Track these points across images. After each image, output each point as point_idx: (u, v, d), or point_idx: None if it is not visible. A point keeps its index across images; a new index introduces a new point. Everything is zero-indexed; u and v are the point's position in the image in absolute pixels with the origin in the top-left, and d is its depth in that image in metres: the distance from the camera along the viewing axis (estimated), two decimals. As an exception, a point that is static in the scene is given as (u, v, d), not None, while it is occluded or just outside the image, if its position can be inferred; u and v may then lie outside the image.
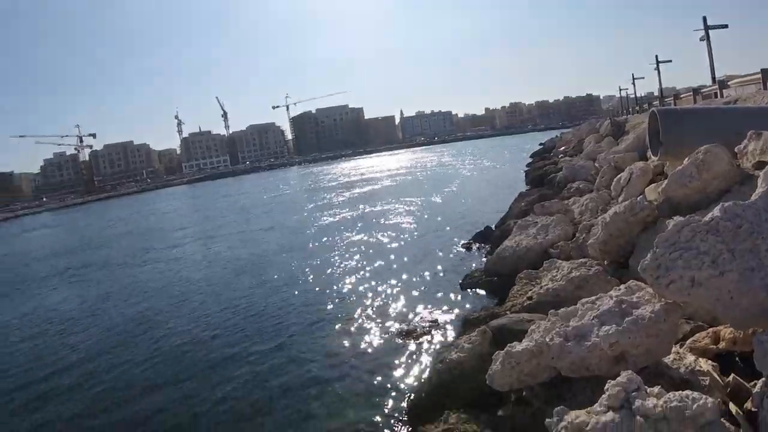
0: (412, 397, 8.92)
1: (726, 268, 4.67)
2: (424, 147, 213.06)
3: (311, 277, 20.34)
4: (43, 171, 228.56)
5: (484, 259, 17.04)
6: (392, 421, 8.80)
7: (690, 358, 5.40)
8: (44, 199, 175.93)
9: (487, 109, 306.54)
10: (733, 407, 4.52)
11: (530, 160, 58.85)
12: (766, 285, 4.55)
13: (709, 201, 8.24)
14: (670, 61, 72.76)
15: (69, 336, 16.92)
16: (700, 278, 4.74)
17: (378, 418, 8.98)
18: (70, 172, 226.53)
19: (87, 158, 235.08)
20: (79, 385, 12.55)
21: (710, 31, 48.54)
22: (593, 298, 5.97)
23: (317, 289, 18.32)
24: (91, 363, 14.02)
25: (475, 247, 20.38)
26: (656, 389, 4.31)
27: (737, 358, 5.34)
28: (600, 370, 5.34)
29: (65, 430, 10.58)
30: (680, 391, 4.18)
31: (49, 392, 12.41)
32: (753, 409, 4.35)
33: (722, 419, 4.11)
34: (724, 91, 31.36)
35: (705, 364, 5.20)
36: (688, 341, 5.79)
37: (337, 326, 13.88)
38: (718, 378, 4.98)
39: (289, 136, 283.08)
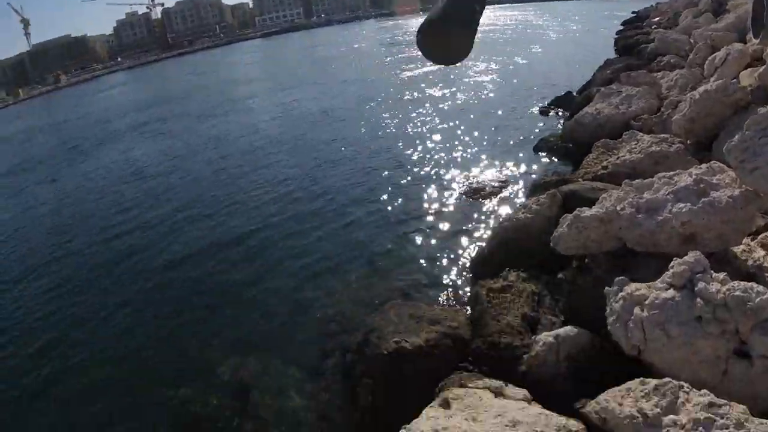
0: (474, 253, 9.12)
1: (816, 161, 4.55)
2: (509, 4, 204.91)
3: (386, 130, 20.44)
4: (116, 32, 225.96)
5: (561, 125, 16.76)
6: (453, 275, 9.06)
7: (760, 252, 5.33)
8: (119, 60, 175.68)
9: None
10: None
11: (621, 27, 56.34)
12: None
13: (809, 91, 7.91)
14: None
15: (151, 185, 17.57)
16: (788, 168, 4.64)
17: (439, 272, 9.25)
18: (143, 31, 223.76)
19: (159, 16, 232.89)
20: (167, 233, 13.22)
21: None
22: (671, 173, 5.84)
23: (391, 142, 18.47)
24: (176, 208, 14.70)
25: (552, 112, 19.96)
26: (721, 275, 4.29)
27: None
28: (667, 248, 5.31)
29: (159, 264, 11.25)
30: (746, 282, 4.18)
31: (133, 232, 13.10)
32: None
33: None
34: None
35: (774, 260, 5.16)
36: (761, 236, 5.69)
37: (407, 179, 14.07)
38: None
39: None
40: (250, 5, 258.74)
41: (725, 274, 4.32)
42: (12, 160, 30.18)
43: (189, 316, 9.70)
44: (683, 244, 5.17)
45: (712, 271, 4.33)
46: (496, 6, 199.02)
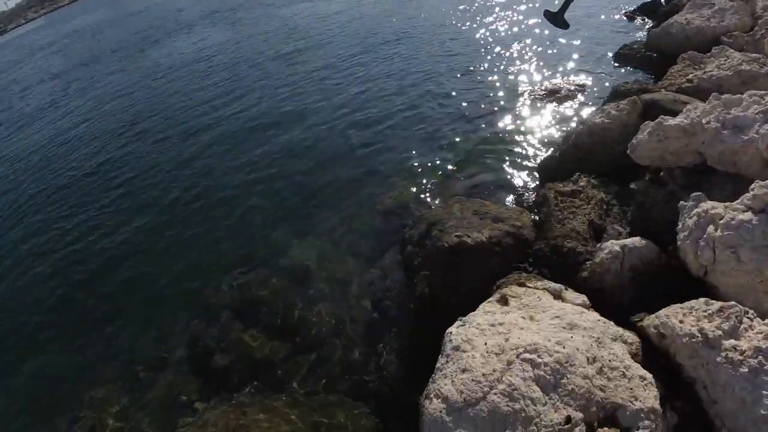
0: (547, 154, 8.99)
1: None
2: None
3: (461, 21, 19.90)
4: None
5: (646, 33, 16.09)
6: (522, 175, 8.99)
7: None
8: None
9: None
10: None
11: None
12: None
13: None
14: None
15: (219, 77, 17.59)
16: None
17: (508, 171, 9.18)
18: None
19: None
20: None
21: None
22: (763, 92, 5.59)
23: (466, 35, 18.00)
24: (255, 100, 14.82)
25: (638, 18, 19.13)
26: (803, 203, 4.17)
27: None
28: (747, 170, 5.15)
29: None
30: (827, 210, 4.04)
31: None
32: None
33: None
34: None
35: None
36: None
37: (479, 76, 13.81)
38: None
39: None
40: None
41: (808, 203, 4.18)
42: (84, 52, 30.56)
43: (255, 201, 9.92)
44: (764, 168, 5.00)
45: (794, 199, 4.19)
46: None
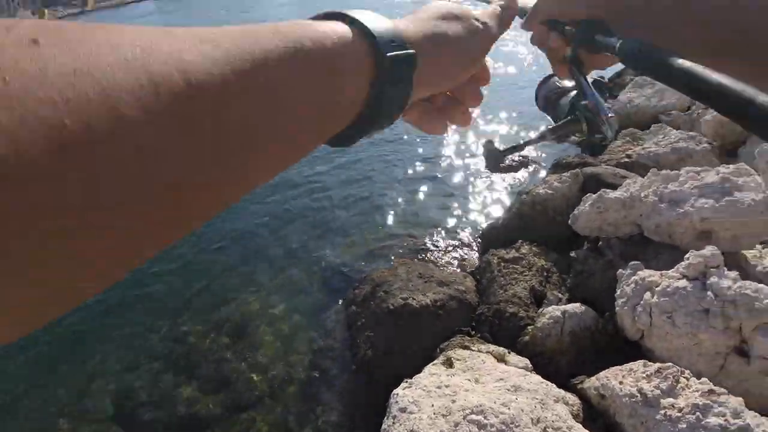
0: (488, 224, 9.19)
1: None
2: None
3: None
4: None
5: (588, 110, 16.64)
6: (465, 240, 9.15)
7: (768, 261, 5.41)
8: None
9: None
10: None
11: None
12: None
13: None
14: None
15: None
16: (817, 177, 4.69)
17: (452, 235, 9.33)
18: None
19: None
20: None
21: None
22: (699, 168, 5.88)
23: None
24: None
25: (582, 95, 19.81)
26: (734, 273, 4.38)
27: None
28: (682, 241, 5.40)
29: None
30: (757, 283, 4.26)
31: None
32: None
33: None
34: None
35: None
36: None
37: (425, 142, 14.04)
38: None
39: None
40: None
41: (737, 273, 4.40)
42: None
43: (197, 255, 9.83)
44: (697, 239, 5.27)
45: (725, 268, 4.41)
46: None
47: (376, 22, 0.63)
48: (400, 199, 10.90)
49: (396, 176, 12.00)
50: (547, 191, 7.89)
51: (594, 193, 6.34)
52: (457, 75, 0.84)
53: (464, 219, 10.00)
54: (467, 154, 13.05)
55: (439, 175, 12.01)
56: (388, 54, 0.62)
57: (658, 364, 3.97)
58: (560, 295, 6.09)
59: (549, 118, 1.36)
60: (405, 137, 14.09)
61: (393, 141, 13.79)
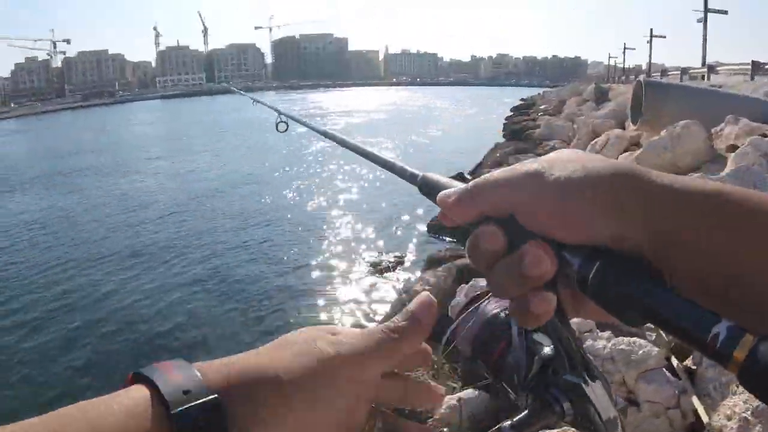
0: (373, 324, 9.32)
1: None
2: (407, 87, 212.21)
3: (279, 207, 20.51)
4: (12, 76, 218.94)
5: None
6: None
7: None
8: (13, 105, 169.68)
9: (473, 57, 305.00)
10: (674, 361, 4.95)
11: (510, 113, 58.93)
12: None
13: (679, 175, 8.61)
14: (664, 36, 72.73)
15: (38, 245, 16.96)
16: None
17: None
18: (41, 78, 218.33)
19: (60, 65, 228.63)
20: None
21: (709, 15, 48.46)
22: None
23: (283, 220, 18.46)
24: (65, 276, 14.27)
25: (447, 190, 20.59)
26: (607, 333, 4.70)
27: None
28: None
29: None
30: (629, 338, 4.59)
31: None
32: (692, 366, 4.81)
33: (663, 369, 4.53)
34: (712, 75, 31.70)
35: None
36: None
37: (301, 258, 14.16)
38: (663, 335, 5.39)
39: (269, 59, 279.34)
40: (153, 65, 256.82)
41: (610, 332, 4.71)
42: None
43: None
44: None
45: (598, 330, 4.71)
46: (398, 87, 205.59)
47: (172, 373, 0.58)
48: (276, 315, 10.87)
49: (269, 292, 12.00)
50: (424, 287, 8.14)
51: (467, 283, 6.60)
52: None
53: (349, 322, 10.09)
54: (340, 263, 13.27)
55: (315, 285, 12.12)
56: (177, 410, 0.54)
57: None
58: (453, 384, 6.23)
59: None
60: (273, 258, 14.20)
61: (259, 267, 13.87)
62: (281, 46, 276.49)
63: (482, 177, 0.71)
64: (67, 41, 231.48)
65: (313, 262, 13.69)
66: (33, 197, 25.18)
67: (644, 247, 0.59)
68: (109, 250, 15.41)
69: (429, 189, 0.91)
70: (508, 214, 0.66)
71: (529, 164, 0.68)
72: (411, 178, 0.99)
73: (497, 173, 0.69)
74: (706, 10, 48.33)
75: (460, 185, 0.76)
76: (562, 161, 0.66)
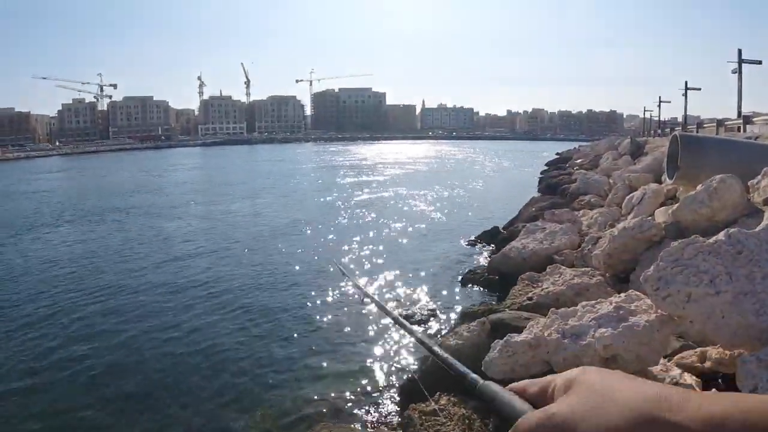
0: (406, 378, 9.25)
1: (722, 289, 4.96)
2: (444, 140, 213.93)
3: (316, 255, 20.63)
4: (60, 115, 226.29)
5: (488, 258, 17.33)
6: (385, 399, 9.13)
7: (676, 371, 5.68)
8: (58, 144, 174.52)
9: (508, 112, 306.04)
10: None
11: (545, 167, 59.01)
12: (756, 310, 4.84)
13: (716, 230, 8.46)
14: (699, 89, 71.99)
15: (71, 284, 17.15)
16: (697, 295, 5.03)
17: (372, 396, 9.29)
18: (87, 119, 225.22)
19: (105, 108, 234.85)
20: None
21: (743, 65, 48.22)
22: (593, 302, 6.24)
23: (316, 271, 18.52)
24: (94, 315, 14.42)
25: (480, 245, 20.66)
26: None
27: (720, 380, 5.62)
28: (590, 371, 5.62)
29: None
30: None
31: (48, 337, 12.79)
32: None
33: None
34: (747, 126, 31.48)
35: (690, 378, 5.50)
36: (676, 357, 6.07)
37: (336, 306, 14.16)
38: (699, 391, 5.27)
39: (308, 111, 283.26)
40: (196, 113, 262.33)
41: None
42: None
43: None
44: (605, 365, 5.48)
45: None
46: (436, 141, 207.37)
47: None
48: (313, 363, 10.84)
49: (308, 341, 11.98)
50: (457, 342, 8.09)
51: (501, 339, 6.55)
52: None
53: (381, 376, 10.03)
54: (374, 318, 13.23)
55: (349, 337, 12.07)
56: None
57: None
58: (483, 440, 6.15)
59: None
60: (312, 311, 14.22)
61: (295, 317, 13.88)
62: (320, 99, 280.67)
63: (523, 426, 0.85)
64: (114, 86, 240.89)
65: (345, 309, 13.67)
66: (70, 232, 25.68)
67: None
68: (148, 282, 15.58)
69: (486, 398, 1.00)
70: None
71: (558, 415, 0.81)
72: (470, 384, 1.11)
73: (529, 424, 0.84)
74: (740, 60, 48.04)
75: (516, 400, 0.93)
76: (588, 409, 0.78)
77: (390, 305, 13.88)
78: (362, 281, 16.43)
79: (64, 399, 9.61)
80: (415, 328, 11.49)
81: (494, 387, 1.00)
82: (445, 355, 1.28)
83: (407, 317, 12.55)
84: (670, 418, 0.69)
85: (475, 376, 1.08)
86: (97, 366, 10.92)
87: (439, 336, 10.95)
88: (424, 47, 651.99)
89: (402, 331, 11.78)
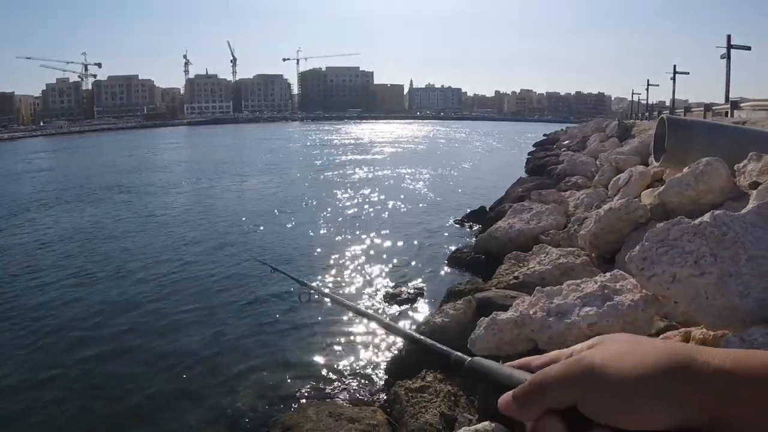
0: (392, 356, 9.32)
1: (706, 270, 5.02)
2: (431, 120, 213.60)
3: (301, 234, 20.67)
4: (44, 96, 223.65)
5: (475, 238, 17.39)
6: (372, 376, 9.20)
7: (659, 351, 5.77)
8: (42, 124, 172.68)
9: (496, 92, 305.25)
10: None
11: (533, 148, 59.13)
12: (740, 291, 4.90)
13: (702, 212, 8.53)
14: (688, 73, 72.26)
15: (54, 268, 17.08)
16: (681, 275, 5.09)
17: (359, 374, 9.36)
18: (71, 99, 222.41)
19: (90, 87, 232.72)
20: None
21: (732, 51, 48.26)
22: (578, 281, 6.32)
23: (304, 248, 18.60)
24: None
25: (467, 225, 20.73)
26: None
27: (703, 359, 5.70)
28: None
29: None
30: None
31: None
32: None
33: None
34: (735, 111, 31.57)
35: (672, 358, 5.58)
36: (660, 337, 6.16)
37: (322, 285, 14.18)
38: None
39: (295, 90, 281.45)
40: (182, 92, 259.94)
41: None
42: None
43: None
44: (590, 344, 5.55)
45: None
46: (424, 121, 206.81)
47: None
48: (299, 343, 10.87)
49: (290, 319, 11.99)
50: (443, 319, 8.16)
51: (487, 317, 6.61)
52: None
53: (367, 353, 10.09)
54: (360, 293, 13.28)
55: (341, 314, 12.10)
56: None
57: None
58: (470, 416, 6.22)
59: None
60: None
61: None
62: (308, 78, 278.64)
63: (540, 375, 0.81)
64: (98, 65, 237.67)
65: (330, 291, 13.68)
66: (61, 213, 25.49)
67: (703, 430, 0.69)
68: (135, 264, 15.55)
69: (476, 375, 0.96)
70: (569, 405, 0.76)
71: (587, 359, 0.77)
72: (455, 363, 1.01)
73: (555, 371, 0.79)
74: (729, 46, 48.06)
75: (508, 371, 0.90)
76: (620, 355, 0.76)
77: (375, 286, 13.95)
78: (344, 259, 16.47)
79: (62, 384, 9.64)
80: (395, 308, 11.65)
81: (486, 362, 0.95)
82: (421, 337, 1.24)
83: (393, 296, 12.62)
84: (704, 358, 0.71)
85: (459, 353, 1.02)
86: (90, 348, 10.96)
87: (425, 315, 11.01)
88: (413, 27, 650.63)
89: (393, 311, 11.92)
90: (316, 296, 3.02)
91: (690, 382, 0.70)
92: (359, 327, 11.22)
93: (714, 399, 0.68)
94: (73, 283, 14.68)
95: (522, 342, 6.24)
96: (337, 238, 19.71)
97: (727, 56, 48.10)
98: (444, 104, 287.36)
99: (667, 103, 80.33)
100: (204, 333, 11.34)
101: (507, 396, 0.82)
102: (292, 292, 13.07)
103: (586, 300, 5.88)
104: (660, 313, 6.26)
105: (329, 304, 10.65)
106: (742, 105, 32.95)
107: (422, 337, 1.22)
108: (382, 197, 28.91)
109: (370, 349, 10.25)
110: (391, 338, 10.62)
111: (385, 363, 9.30)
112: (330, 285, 14.26)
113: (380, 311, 12.03)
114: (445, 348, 1.08)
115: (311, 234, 20.71)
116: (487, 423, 5.44)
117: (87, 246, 18.93)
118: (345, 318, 11.63)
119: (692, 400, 0.69)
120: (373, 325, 11.46)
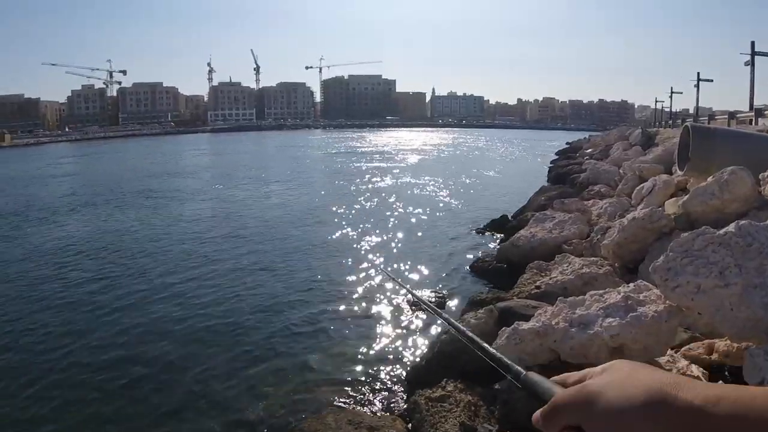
0: (413, 364, 9.28)
1: (731, 281, 4.96)
2: (454, 128, 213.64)
3: (325, 241, 20.69)
4: (69, 102, 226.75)
5: (497, 247, 17.32)
6: (392, 385, 9.15)
7: (683, 362, 5.69)
8: (67, 130, 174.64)
9: (519, 100, 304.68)
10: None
11: (555, 157, 58.91)
12: (765, 303, 4.84)
13: (726, 222, 8.46)
14: (711, 80, 71.25)
15: (81, 269, 17.21)
16: (706, 286, 5.03)
17: (379, 381, 9.32)
18: (96, 105, 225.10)
19: (114, 94, 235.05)
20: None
21: (756, 58, 47.72)
22: (601, 291, 6.26)
23: (329, 253, 18.66)
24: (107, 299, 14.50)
25: (489, 233, 20.67)
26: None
27: (726, 372, 5.63)
28: (597, 360, 5.62)
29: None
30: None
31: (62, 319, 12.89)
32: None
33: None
34: (759, 119, 31.24)
35: (696, 370, 5.50)
36: (683, 348, 6.09)
37: (345, 292, 14.18)
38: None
39: (318, 98, 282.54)
40: (205, 99, 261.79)
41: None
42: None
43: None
44: (611, 355, 5.50)
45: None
46: (446, 129, 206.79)
47: None
48: (320, 349, 10.86)
49: (313, 327, 12.00)
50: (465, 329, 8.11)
51: (509, 327, 6.57)
52: None
53: (388, 361, 10.05)
54: (383, 301, 13.25)
55: (358, 323, 12.10)
56: None
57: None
58: (490, 427, 6.18)
59: None
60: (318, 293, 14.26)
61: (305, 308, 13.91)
62: (330, 86, 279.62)
63: (557, 398, 0.96)
64: (123, 72, 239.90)
65: (355, 296, 13.72)
66: (86, 218, 25.68)
67: None
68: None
69: (529, 387, 1.06)
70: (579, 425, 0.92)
71: (589, 387, 0.93)
72: (515, 375, 1.13)
73: (566, 395, 0.95)
74: (753, 53, 47.53)
75: (548, 385, 1.01)
76: (614, 384, 0.91)
77: (398, 292, 13.92)
78: (367, 265, 16.47)
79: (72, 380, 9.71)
80: (427, 313, 11.60)
81: (536, 377, 1.06)
82: (485, 345, 1.32)
83: (414, 304, 12.57)
84: (678, 394, 0.82)
85: (518, 367, 1.14)
86: (118, 339, 11.05)
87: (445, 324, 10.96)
88: (434, 35, 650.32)
89: (414, 318, 11.88)
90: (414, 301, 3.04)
91: (663, 417, 0.82)
92: (380, 334, 11.22)
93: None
94: (121, 283, 14.84)
95: (544, 352, 6.19)
96: (361, 243, 19.76)
97: (752, 63, 47.54)
98: (466, 112, 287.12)
99: (691, 111, 79.35)
100: (225, 338, 11.38)
101: (537, 412, 0.97)
102: (319, 297, 13.15)
103: (609, 311, 5.82)
104: (683, 325, 6.19)
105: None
106: (766, 112, 32.59)
107: (488, 346, 1.30)
108: (406, 205, 28.93)
109: (390, 357, 10.22)
110: (413, 345, 10.62)
111: (405, 371, 9.26)
112: (349, 291, 14.27)
113: (401, 317, 12.00)
114: (507, 360, 1.19)
115: (331, 241, 20.74)
116: (507, 434, 5.40)
117: (123, 249, 19.10)
118: (365, 324, 11.63)
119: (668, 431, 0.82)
120: (399, 326, 11.54)
